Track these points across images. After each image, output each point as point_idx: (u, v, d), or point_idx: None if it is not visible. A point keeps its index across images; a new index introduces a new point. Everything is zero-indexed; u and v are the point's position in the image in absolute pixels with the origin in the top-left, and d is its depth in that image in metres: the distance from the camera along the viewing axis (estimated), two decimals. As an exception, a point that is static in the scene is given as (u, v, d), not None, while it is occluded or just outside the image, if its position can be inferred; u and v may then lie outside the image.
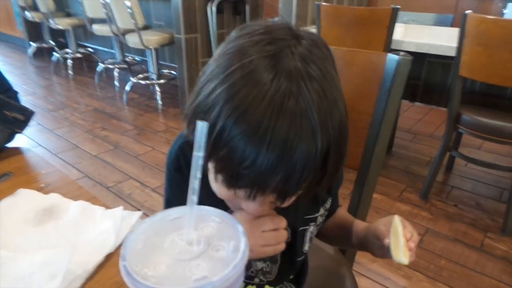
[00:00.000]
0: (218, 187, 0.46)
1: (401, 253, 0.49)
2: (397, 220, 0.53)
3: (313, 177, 0.41)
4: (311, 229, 0.64)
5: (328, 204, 0.67)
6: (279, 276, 0.64)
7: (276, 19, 0.46)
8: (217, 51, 0.45)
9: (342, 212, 0.76)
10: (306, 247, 0.65)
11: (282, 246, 0.50)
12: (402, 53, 0.79)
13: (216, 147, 0.39)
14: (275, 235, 0.49)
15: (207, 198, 0.41)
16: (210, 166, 0.44)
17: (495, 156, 2.57)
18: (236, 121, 0.38)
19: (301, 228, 0.63)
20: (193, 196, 0.33)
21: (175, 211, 0.37)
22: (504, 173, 2.27)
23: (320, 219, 0.66)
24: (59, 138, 2.81)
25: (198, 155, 0.32)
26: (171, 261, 0.32)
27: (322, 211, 0.66)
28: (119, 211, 0.61)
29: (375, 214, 1.92)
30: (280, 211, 0.55)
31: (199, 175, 0.32)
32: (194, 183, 0.32)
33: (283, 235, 0.50)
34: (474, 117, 1.80)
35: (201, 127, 0.31)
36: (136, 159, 2.51)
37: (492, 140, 1.80)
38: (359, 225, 0.69)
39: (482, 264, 1.62)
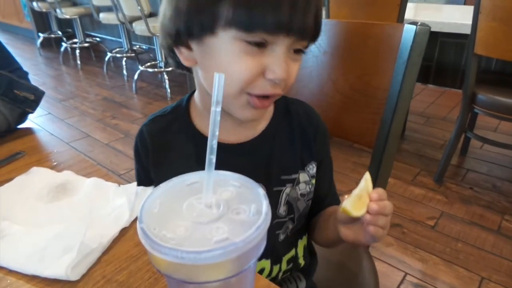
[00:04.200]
0: (243, 64, 0.46)
1: (350, 200, 0.45)
2: (367, 176, 0.47)
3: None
4: (287, 190, 0.61)
5: (312, 170, 0.63)
6: None
7: None
8: None
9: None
10: (282, 210, 0.61)
11: None
12: (419, 22, 0.76)
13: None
14: None
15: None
16: (231, 51, 0.46)
17: (511, 137, 2.51)
18: None
19: (276, 188, 0.60)
20: (211, 156, 0.31)
21: (192, 176, 0.35)
22: (520, 155, 2.22)
23: (304, 187, 0.62)
24: (70, 127, 2.83)
25: (216, 110, 0.30)
26: (189, 224, 0.30)
27: (306, 176, 0.62)
28: (132, 187, 0.60)
29: (389, 198, 1.86)
30: (254, 170, 0.55)
31: (217, 132, 0.30)
32: (212, 142, 0.30)
33: None
34: (490, 96, 1.75)
35: (219, 78, 0.29)
36: (147, 146, 2.51)
37: (509, 119, 1.75)
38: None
39: (500, 246, 1.59)
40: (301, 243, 0.69)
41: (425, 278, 1.45)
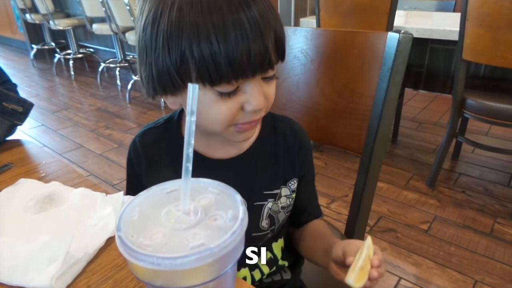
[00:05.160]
0: (220, 109, 0.48)
1: (354, 274, 0.44)
2: (369, 242, 0.48)
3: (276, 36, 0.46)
4: (270, 205, 0.63)
5: (293, 185, 0.65)
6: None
7: None
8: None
9: (323, 224, 0.73)
10: (264, 223, 0.63)
11: None
12: (402, 31, 0.78)
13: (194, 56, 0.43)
14: None
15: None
16: (210, 99, 0.47)
17: (502, 141, 2.53)
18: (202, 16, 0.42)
19: (257, 203, 0.62)
20: (187, 164, 0.32)
21: (171, 184, 0.36)
22: (512, 158, 2.24)
23: (285, 200, 0.64)
24: (63, 138, 2.82)
25: (191, 120, 0.31)
26: (167, 231, 0.31)
27: (287, 191, 0.64)
28: (119, 196, 0.61)
29: (382, 203, 1.90)
30: (236, 185, 0.56)
31: (192, 141, 0.31)
32: (188, 150, 0.31)
33: None
34: (479, 101, 1.78)
35: (192, 89, 0.30)
36: (140, 156, 2.51)
37: (498, 123, 1.78)
38: (333, 238, 0.64)
39: (493, 249, 1.60)
40: (277, 246, 0.70)
41: (419, 282, 1.46)
